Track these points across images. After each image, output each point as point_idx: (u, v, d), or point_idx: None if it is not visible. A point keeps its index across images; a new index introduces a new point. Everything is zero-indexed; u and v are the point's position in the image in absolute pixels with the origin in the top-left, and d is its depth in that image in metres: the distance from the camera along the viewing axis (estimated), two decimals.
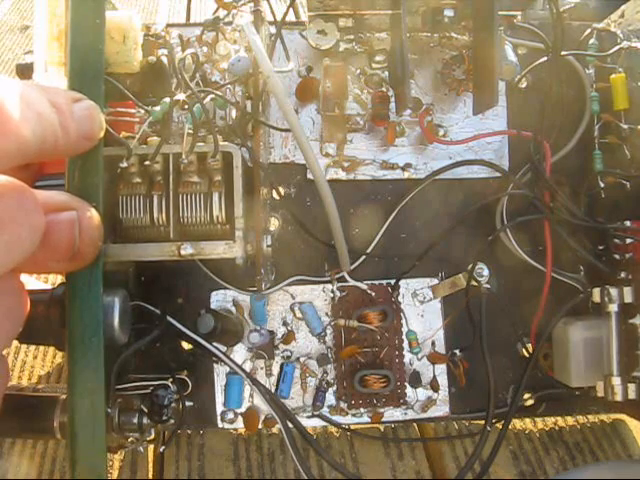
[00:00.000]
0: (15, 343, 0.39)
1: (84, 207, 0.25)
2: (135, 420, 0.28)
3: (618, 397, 0.29)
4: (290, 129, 0.29)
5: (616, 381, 0.30)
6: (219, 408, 0.35)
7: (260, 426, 0.35)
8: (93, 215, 0.25)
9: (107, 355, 0.26)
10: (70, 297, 0.26)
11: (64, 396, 0.29)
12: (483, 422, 0.33)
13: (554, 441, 0.37)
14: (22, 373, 0.38)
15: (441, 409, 0.36)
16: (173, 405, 0.28)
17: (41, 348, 0.39)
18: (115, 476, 0.34)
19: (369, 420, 0.36)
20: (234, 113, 0.31)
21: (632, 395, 0.30)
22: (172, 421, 0.29)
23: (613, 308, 0.30)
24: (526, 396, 0.36)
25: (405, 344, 0.35)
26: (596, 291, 0.31)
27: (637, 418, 0.33)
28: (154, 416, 0.28)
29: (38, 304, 0.28)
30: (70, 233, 0.24)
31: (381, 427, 0.37)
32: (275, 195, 0.36)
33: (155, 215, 0.28)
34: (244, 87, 0.31)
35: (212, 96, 0.29)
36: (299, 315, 0.36)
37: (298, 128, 0.27)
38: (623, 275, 0.31)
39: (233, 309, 0.35)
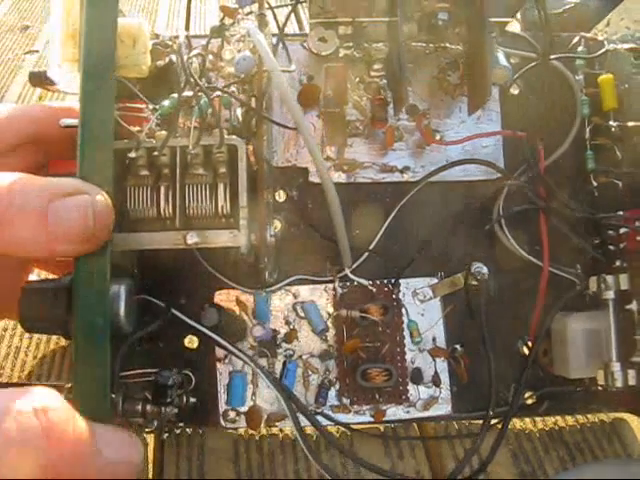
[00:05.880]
0: (16, 343, 0.39)
1: (96, 191, 0.26)
2: (139, 407, 0.28)
3: (618, 383, 0.30)
4: (293, 124, 0.30)
5: (616, 367, 0.30)
6: (221, 407, 0.35)
7: (262, 425, 0.35)
8: (105, 198, 0.26)
9: (112, 344, 0.26)
10: (77, 282, 0.26)
11: (69, 385, 0.29)
12: (483, 421, 0.33)
13: (554, 441, 0.37)
14: (22, 373, 0.38)
15: (443, 407, 0.36)
16: (178, 392, 0.28)
17: (42, 348, 0.39)
18: None
19: (372, 419, 0.36)
20: (239, 112, 0.32)
21: (632, 381, 0.30)
22: (175, 410, 0.29)
23: (610, 295, 0.31)
24: (527, 395, 0.36)
25: (407, 341, 0.36)
26: (593, 280, 0.32)
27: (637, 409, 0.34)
28: (159, 398, 0.28)
29: (45, 292, 0.28)
30: (84, 216, 0.25)
31: (381, 427, 0.37)
32: (277, 197, 0.37)
33: (162, 205, 0.29)
34: (248, 86, 0.32)
35: (218, 93, 0.31)
36: (301, 314, 0.36)
37: (300, 118, 0.28)
38: (618, 263, 0.31)
39: (236, 308, 0.36)
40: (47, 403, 0.22)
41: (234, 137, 0.30)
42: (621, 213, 0.32)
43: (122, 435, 0.25)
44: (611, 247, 0.32)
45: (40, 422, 0.21)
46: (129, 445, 0.25)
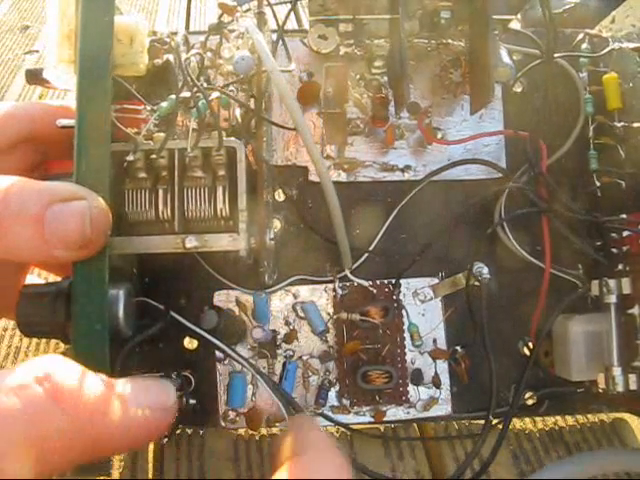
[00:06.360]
0: (16, 343, 0.39)
1: (93, 196, 0.25)
2: None
3: (619, 388, 0.30)
4: (292, 124, 0.29)
5: (617, 371, 0.30)
6: (221, 408, 0.35)
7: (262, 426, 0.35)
8: (101, 204, 0.25)
9: (111, 348, 0.26)
10: (75, 286, 0.26)
11: None
12: (484, 422, 0.33)
13: (554, 441, 0.37)
14: None
15: (443, 408, 0.36)
16: (177, 394, 0.28)
17: (41, 348, 0.39)
18: (115, 476, 0.34)
19: (372, 420, 0.36)
20: (237, 113, 0.32)
21: (633, 386, 0.30)
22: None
23: (612, 299, 0.31)
24: (528, 395, 0.36)
25: (407, 342, 0.36)
26: (595, 283, 0.32)
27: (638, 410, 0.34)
28: None
29: (44, 297, 0.28)
30: (81, 222, 0.24)
31: (381, 427, 0.37)
32: (277, 197, 0.36)
33: (160, 208, 0.29)
34: (247, 85, 0.31)
35: (217, 94, 0.30)
36: (301, 314, 0.36)
37: (300, 118, 0.28)
38: (621, 267, 0.31)
39: (236, 309, 0.36)
40: (49, 369, 0.21)
41: (233, 139, 0.29)
42: (624, 216, 0.31)
43: (152, 381, 0.25)
44: (614, 250, 0.32)
45: (44, 389, 0.20)
46: (159, 389, 0.25)
